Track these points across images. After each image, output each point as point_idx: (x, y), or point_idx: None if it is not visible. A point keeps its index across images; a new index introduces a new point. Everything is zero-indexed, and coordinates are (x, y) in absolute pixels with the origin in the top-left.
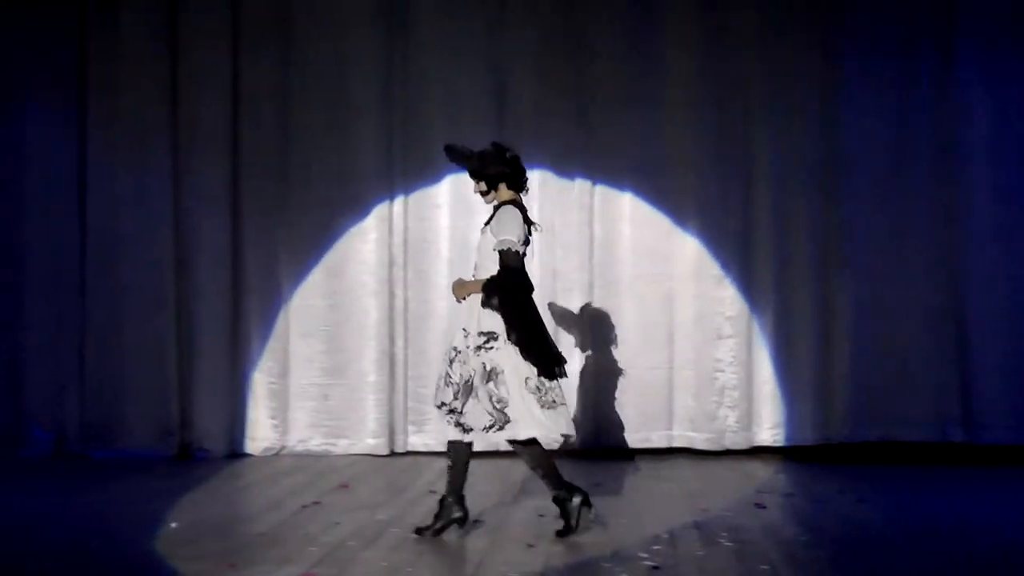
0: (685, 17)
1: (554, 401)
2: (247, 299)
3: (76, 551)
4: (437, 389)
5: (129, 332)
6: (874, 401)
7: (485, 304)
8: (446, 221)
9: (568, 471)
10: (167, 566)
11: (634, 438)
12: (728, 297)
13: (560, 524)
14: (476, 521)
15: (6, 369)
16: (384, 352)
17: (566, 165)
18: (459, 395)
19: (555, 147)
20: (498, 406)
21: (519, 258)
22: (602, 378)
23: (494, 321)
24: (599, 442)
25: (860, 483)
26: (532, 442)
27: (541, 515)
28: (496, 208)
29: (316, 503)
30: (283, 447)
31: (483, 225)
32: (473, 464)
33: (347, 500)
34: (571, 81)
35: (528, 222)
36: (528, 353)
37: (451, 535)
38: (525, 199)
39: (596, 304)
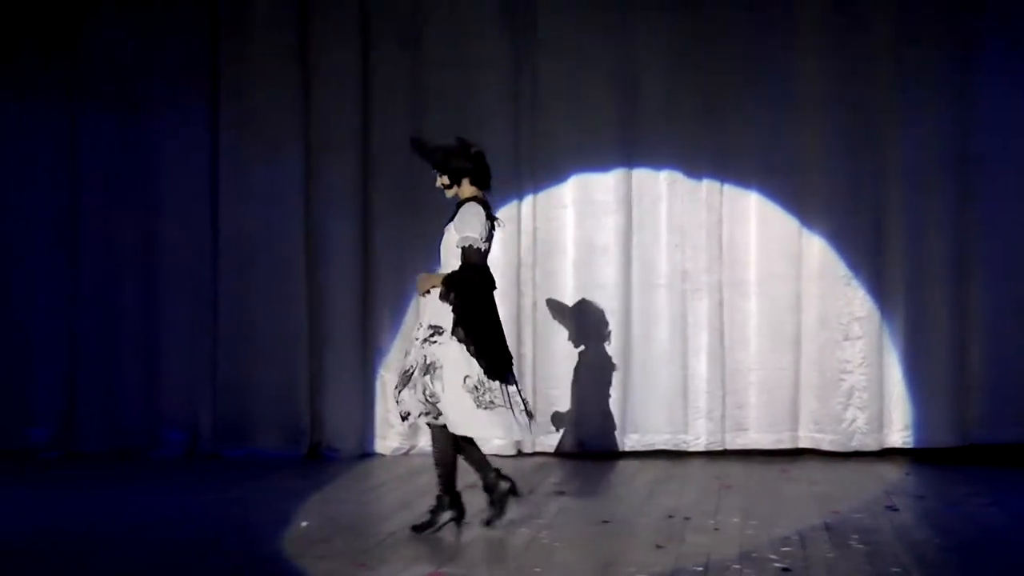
0: (814, 15)
1: (492, 402)
2: (376, 299)
3: (209, 549)
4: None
5: (260, 332)
6: (1009, 403)
7: (443, 298)
8: (572, 221)
9: (694, 470)
10: (297, 565)
11: (763, 439)
12: (857, 298)
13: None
14: (604, 521)
15: (142, 370)
16: (512, 353)
17: (694, 166)
18: (400, 383)
19: (683, 148)
20: (430, 399)
21: (481, 255)
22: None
23: (445, 316)
24: (724, 442)
25: (993, 486)
26: (452, 438)
27: (670, 516)
28: (459, 205)
29: None
30: (412, 447)
31: (447, 222)
32: (592, 465)
33: (476, 500)
34: (699, 82)
35: (491, 219)
36: (474, 351)
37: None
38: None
39: (725, 305)
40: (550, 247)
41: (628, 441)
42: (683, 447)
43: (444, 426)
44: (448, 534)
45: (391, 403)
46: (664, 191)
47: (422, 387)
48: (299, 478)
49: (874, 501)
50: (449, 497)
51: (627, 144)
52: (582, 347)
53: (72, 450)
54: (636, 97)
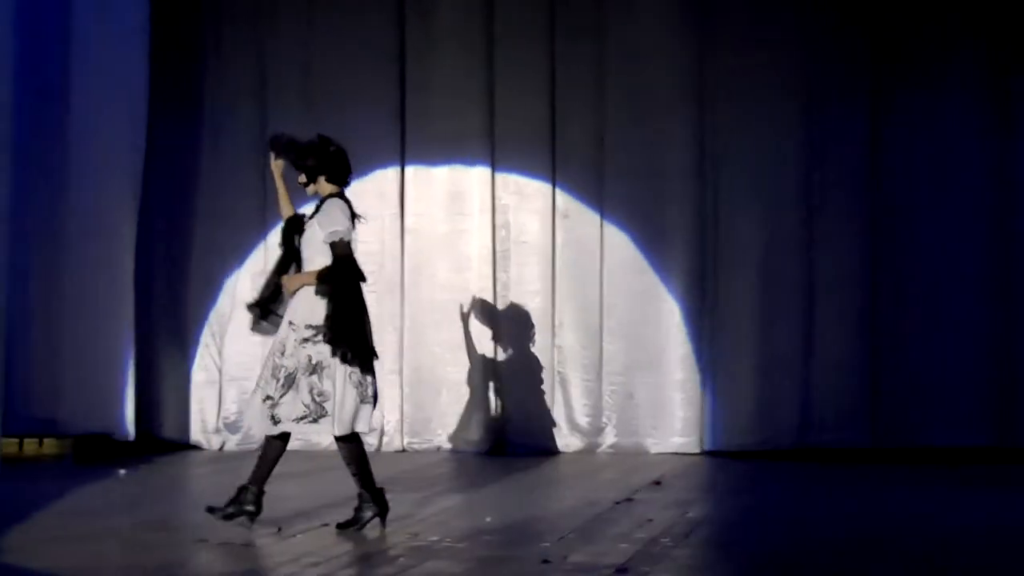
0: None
1: (370, 396)
2: (559, 297)
3: None
4: (262, 382)
5: (441, 329)
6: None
7: (319, 292)
8: None
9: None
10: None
11: None
12: None
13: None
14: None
15: None
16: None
17: None
18: (281, 387)
19: None
20: (318, 399)
21: (350, 247)
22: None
23: (320, 313)
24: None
25: None
26: (354, 438)
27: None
28: (321, 201)
29: (629, 500)
30: (598, 444)
31: (307, 218)
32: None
33: (660, 497)
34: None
35: (354, 215)
36: (343, 344)
37: None
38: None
39: None
40: None
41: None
42: None
43: (344, 437)
44: (637, 531)
45: (575, 401)
46: None
47: (308, 386)
48: (494, 475)
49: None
50: (370, 494)
51: None
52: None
53: None
54: None
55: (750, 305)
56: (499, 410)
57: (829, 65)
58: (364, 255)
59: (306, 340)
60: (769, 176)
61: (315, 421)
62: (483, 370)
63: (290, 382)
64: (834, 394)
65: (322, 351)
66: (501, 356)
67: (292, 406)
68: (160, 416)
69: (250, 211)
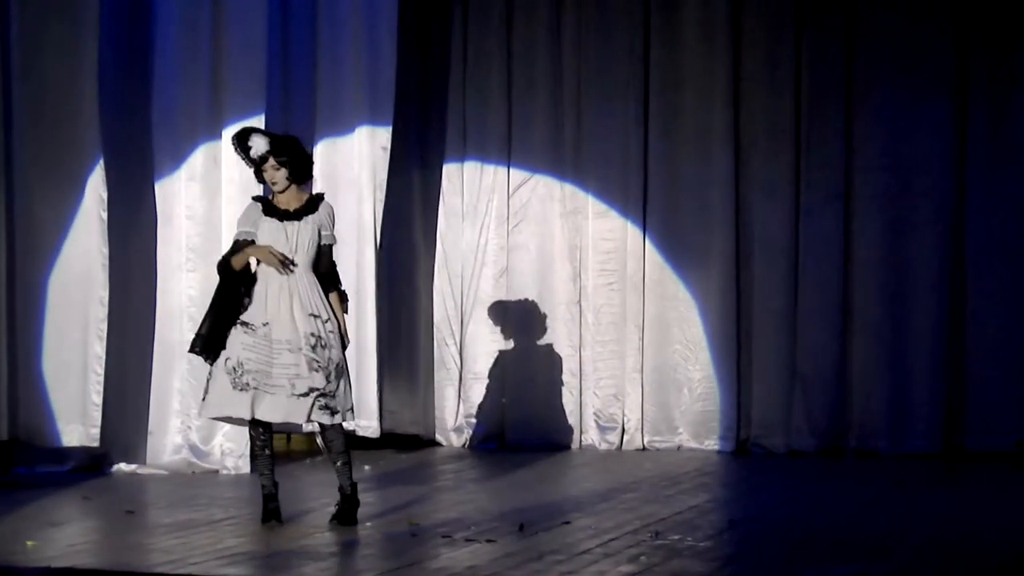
0: None
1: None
2: (803, 293)
3: None
4: (288, 379)
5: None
6: None
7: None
8: None
9: None
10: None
11: None
12: None
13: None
14: None
15: None
16: None
17: None
18: (335, 377)
19: None
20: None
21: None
22: None
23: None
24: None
25: None
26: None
27: None
28: (315, 200)
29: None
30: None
31: (291, 217)
32: None
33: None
34: None
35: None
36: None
37: None
38: None
39: None
40: None
41: None
42: None
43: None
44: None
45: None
46: None
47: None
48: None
49: None
50: (352, 486)
51: None
52: None
53: None
54: None
55: None
56: (745, 408)
57: None
58: (604, 253)
59: (332, 332)
60: None
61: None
62: (726, 368)
63: (340, 372)
64: None
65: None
66: (744, 355)
67: (347, 396)
68: None
69: None
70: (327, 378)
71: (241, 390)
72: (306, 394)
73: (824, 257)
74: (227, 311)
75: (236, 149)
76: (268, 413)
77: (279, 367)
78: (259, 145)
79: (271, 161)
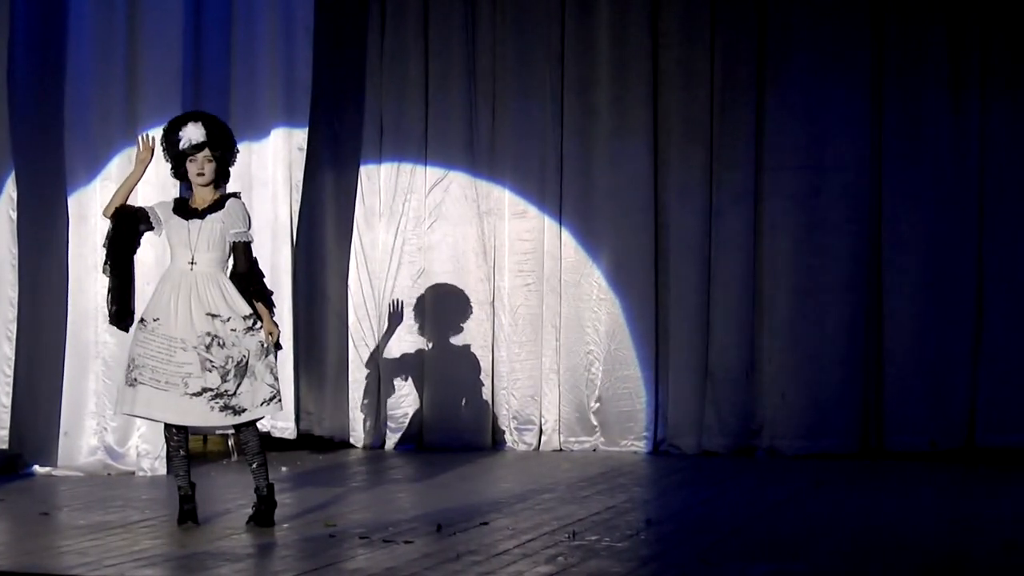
0: None
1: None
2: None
3: None
4: (182, 378)
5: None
6: None
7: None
8: None
9: None
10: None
11: None
12: None
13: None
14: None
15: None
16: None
17: None
18: (233, 377)
19: None
20: (277, 379)
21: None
22: None
23: (241, 304)
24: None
25: None
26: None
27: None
28: (223, 199)
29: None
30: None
31: (208, 213)
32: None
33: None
34: None
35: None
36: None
37: None
38: None
39: None
40: None
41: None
42: None
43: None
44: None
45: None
46: None
47: (267, 369)
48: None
49: None
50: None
51: None
52: None
53: None
54: None
55: None
56: (662, 408)
57: None
58: (522, 254)
59: (249, 328)
60: None
61: (278, 401)
62: (643, 368)
63: (243, 371)
64: None
65: (261, 337)
66: (661, 355)
67: (254, 392)
68: None
69: None
70: (223, 377)
71: (130, 385)
72: (199, 393)
73: (735, 256)
74: (124, 269)
75: (161, 141)
76: (162, 412)
77: (174, 365)
78: (194, 135)
79: (205, 152)
